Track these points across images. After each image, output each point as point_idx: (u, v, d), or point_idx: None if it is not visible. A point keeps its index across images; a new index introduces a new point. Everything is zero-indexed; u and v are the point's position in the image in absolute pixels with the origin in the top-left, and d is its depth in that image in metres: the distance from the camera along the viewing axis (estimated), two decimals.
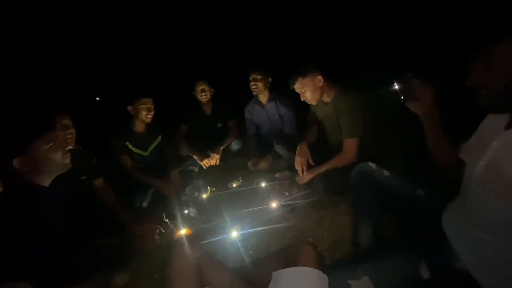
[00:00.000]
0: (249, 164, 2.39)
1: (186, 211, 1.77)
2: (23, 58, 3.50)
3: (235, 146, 2.64)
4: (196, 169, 2.40)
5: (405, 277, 0.85)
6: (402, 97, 1.00)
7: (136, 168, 2.07)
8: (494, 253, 0.74)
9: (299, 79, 1.73)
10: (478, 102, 0.77)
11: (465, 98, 0.94)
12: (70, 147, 1.18)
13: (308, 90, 1.74)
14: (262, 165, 2.34)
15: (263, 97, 2.47)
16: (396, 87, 1.01)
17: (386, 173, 1.24)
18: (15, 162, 0.99)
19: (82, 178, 1.68)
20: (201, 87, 2.52)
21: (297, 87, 1.77)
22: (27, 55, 3.56)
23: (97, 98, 4.55)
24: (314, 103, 1.83)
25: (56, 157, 1.08)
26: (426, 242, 0.93)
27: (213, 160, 2.43)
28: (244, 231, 1.50)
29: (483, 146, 0.78)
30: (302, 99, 1.81)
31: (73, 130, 1.59)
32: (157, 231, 1.42)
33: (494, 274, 0.75)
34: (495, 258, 0.74)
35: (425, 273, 0.84)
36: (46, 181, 1.11)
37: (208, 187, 2.07)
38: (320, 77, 1.73)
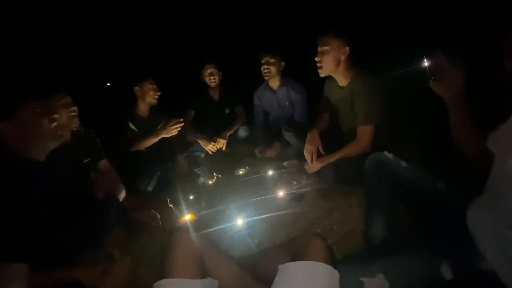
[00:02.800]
0: (257, 151, 2.32)
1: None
2: (22, 45, 3.46)
3: (242, 132, 2.57)
4: (202, 155, 2.36)
5: (424, 277, 0.78)
6: (429, 77, 0.90)
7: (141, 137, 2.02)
8: None
9: (331, 35, 1.59)
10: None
11: (496, 81, 0.84)
12: (56, 117, 1.10)
13: (330, 53, 1.60)
14: (270, 152, 2.27)
15: (274, 83, 2.36)
16: (422, 65, 0.91)
17: (403, 163, 1.15)
18: (1, 127, 0.94)
19: (85, 160, 1.65)
20: (209, 71, 2.43)
21: (323, 41, 1.61)
22: (26, 42, 3.52)
23: (108, 84, 4.52)
24: (323, 73, 1.68)
25: (44, 124, 1.01)
26: (448, 240, 0.85)
27: (220, 144, 2.37)
28: (250, 219, 1.46)
29: None
30: (316, 59, 1.65)
31: (75, 108, 1.55)
32: (158, 219, 1.39)
33: None
34: None
35: (447, 273, 0.76)
36: (41, 155, 1.06)
37: (214, 174, 2.03)
38: (347, 49, 1.60)
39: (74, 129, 1.54)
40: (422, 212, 1.06)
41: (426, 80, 0.93)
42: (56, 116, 1.07)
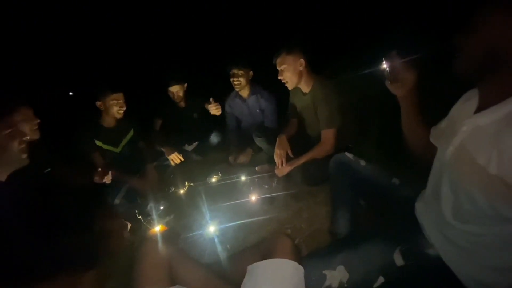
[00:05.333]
0: (230, 158, 2.35)
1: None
2: None
3: (214, 139, 2.57)
4: (173, 163, 2.32)
5: (380, 265, 0.84)
6: (385, 77, 0.98)
7: (108, 166, 1.95)
8: (464, 238, 0.75)
9: (284, 54, 1.71)
10: (455, 69, 0.75)
11: (441, 82, 0.93)
12: (27, 139, 1.08)
13: (288, 69, 1.72)
14: (242, 158, 2.31)
15: (244, 92, 2.41)
16: (378, 69, 0.98)
17: (362, 162, 1.25)
18: None
19: (45, 171, 1.55)
20: (173, 91, 2.41)
21: (279, 62, 1.74)
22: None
23: (70, 93, 4.31)
24: (290, 87, 1.80)
25: (13, 146, 1.00)
26: (400, 229, 0.94)
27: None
28: (222, 225, 1.47)
29: (453, 131, 0.77)
30: (279, 77, 1.77)
31: (38, 121, 1.46)
32: (127, 228, 1.34)
33: (464, 259, 0.76)
34: (466, 244, 0.75)
35: (398, 260, 0.84)
36: (2, 175, 1.01)
37: (186, 182, 2.00)
38: (302, 61, 1.71)
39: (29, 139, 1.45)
40: (378, 205, 1.15)
41: (382, 81, 1.01)
42: (28, 138, 1.05)
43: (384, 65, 0.97)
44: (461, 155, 0.74)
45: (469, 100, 0.79)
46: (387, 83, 0.99)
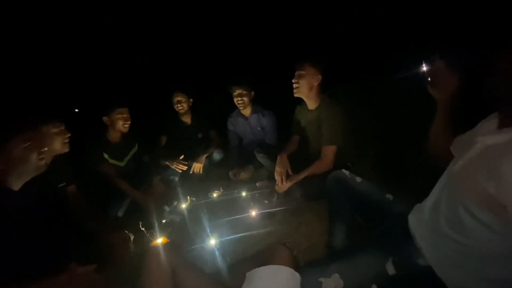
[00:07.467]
0: (231, 174, 2.41)
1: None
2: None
3: (217, 156, 2.65)
4: (176, 178, 2.38)
5: (373, 273, 0.89)
6: (428, 79, 0.98)
7: (118, 177, 2.01)
8: (457, 249, 0.78)
9: (308, 63, 1.82)
10: (485, 86, 0.75)
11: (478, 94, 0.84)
12: (45, 150, 1.14)
13: (305, 77, 1.82)
14: (243, 175, 2.37)
15: (246, 110, 2.54)
16: (423, 68, 1.00)
17: (358, 179, 1.31)
18: None
19: (60, 185, 1.62)
20: (176, 99, 2.54)
21: (300, 67, 1.84)
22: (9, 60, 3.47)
23: (76, 110, 4.47)
24: (297, 93, 1.88)
25: (31, 157, 1.05)
26: (392, 241, 0.99)
27: (196, 168, 2.42)
28: (223, 239, 1.50)
29: (469, 146, 0.78)
30: (293, 80, 1.85)
31: (69, 135, 1.55)
32: (130, 239, 1.39)
33: (455, 270, 0.80)
34: (457, 255, 0.78)
35: (390, 269, 0.89)
36: (17, 185, 1.07)
37: (188, 197, 2.05)
38: (319, 77, 1.83)
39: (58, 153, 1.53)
40: (373, 219, 1.20)
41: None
42: (46, 149, 1.11)
43: (426, 67, 0.98)
44: (467, 170, 0.75)
45: (494, 118, 0.79)
46: (429, 86, 1.00)
